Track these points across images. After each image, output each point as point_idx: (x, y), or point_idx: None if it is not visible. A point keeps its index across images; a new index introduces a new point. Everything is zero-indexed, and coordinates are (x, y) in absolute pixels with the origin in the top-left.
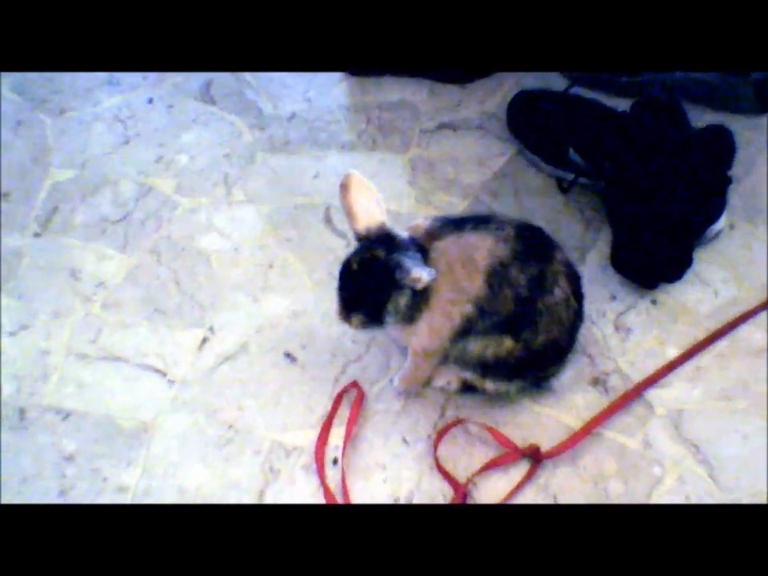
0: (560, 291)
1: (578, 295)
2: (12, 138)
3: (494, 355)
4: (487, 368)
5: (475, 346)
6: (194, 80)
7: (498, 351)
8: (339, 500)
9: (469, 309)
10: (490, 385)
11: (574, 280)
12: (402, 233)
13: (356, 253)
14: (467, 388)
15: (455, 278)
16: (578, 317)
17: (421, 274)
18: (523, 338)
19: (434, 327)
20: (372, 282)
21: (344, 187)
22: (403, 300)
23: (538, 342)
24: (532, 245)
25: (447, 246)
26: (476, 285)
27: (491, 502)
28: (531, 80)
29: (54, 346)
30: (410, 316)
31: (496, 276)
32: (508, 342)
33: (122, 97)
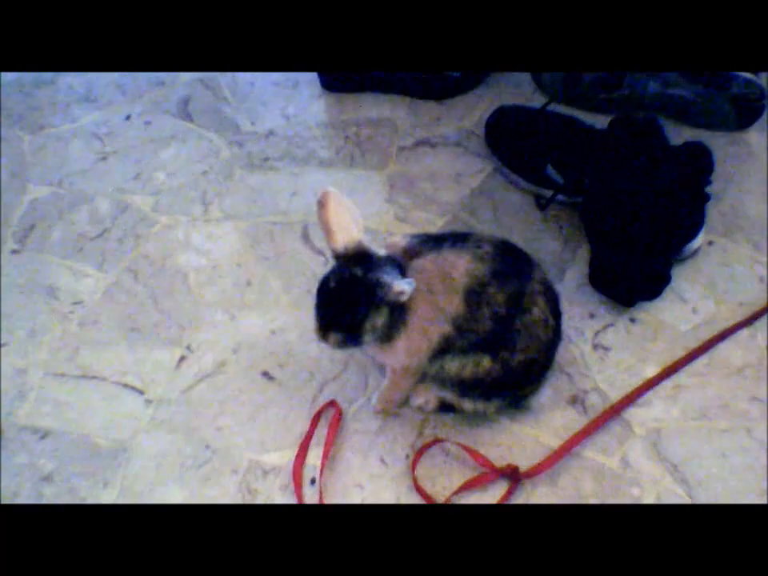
0: (538, 310)
1: (556, 313)
2: None
3: (472, 374)
4: (465, 387)
5: (453, 365)
6: (172, 96)
7: (475, 370)
8: None
9: (446, 328)
10: (467, 404)
11: (552, 298)
12: (380, 250)
13: (334, 271)
14: (445, 407)
15: (433, 297)
16: (555, 335)
17: (403, 287)
18: (501, 357)
19: (411, 346)
20: (350, 300)
21: (321, 204)
22: (381, 318)
23: (516, 360)
24: (510, 263)
25: (425, 264)
26: (454, 304)
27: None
28: (509, 97)
29: (30, 364)
30: (388, 335)
31: (474, 295)
32: (486, 361)
33: (99, 113)
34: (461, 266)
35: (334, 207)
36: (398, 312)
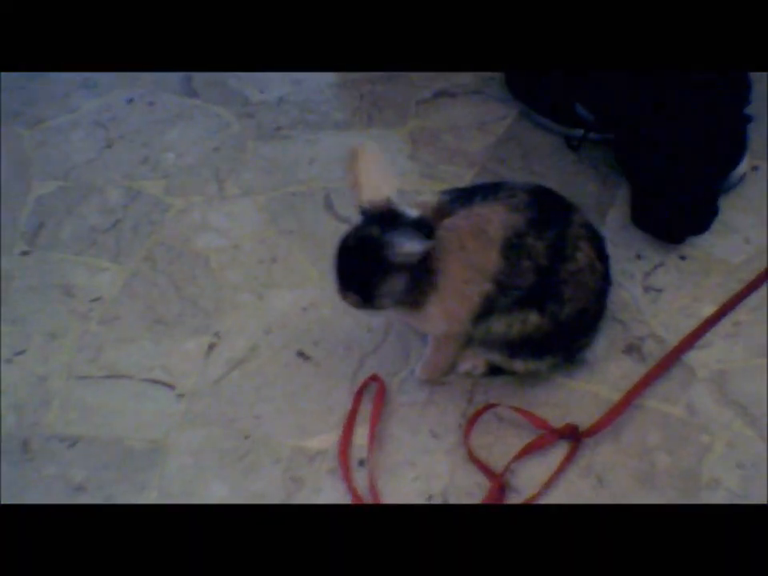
0: (582, 256)
1: (602, 257)
2: None
3: (520, 333)
4: (514, 347)
5: (499, 326)
6: (174, 74)
7: (524, 328)
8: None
9: (488, 286)
10: (519, 365)
11: (597, 242)
12: (410, 210)
13: (354, 228)
14: (495, 370)
15: (467, 255)
16: (605, 281)
17: (411, 248)
18: (549, 311)
19: (450, 310)
20: (363, 261)
21: (352, 158)
22: (400, 282)
23: (566, 312)
24: (547, 210)
25: (457, 222)
26: (492, 260)
27: (532, 491)
28: None
29: (52, 369)
30: (415, 299)
31: (512, 248)
32: (533, 317)
33: (99, 100)
34: (495, 219)
35: (365, 162)
36: (425, 275)
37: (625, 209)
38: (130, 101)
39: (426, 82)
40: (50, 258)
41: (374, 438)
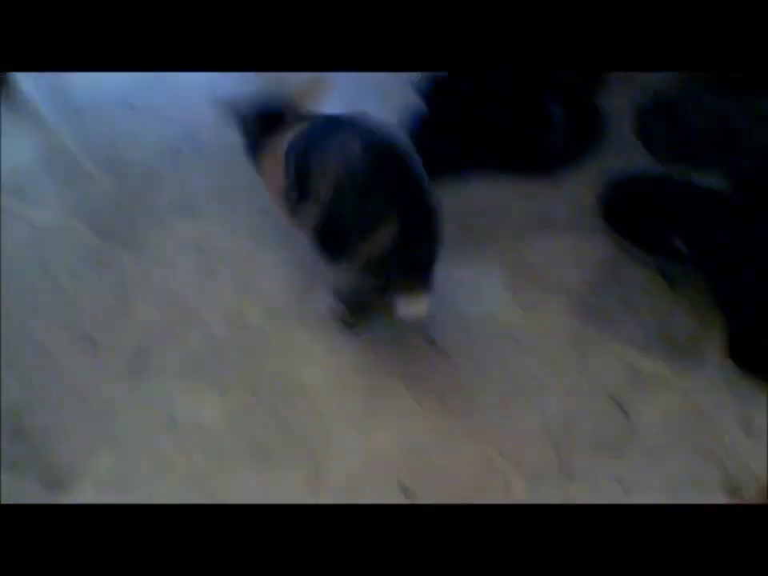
0: (334, 142)
1: (376, 144)
2: (92, 280)
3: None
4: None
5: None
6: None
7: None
8: None
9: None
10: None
11: (374, 137)
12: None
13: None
14: None
15: (271, 162)
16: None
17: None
18: (314, 193)
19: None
20: None
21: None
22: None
23: (322, 193)
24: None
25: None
26: (280, 167)
27: None
28: (615, 164)
29: (157, 500)
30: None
31: (287, 162)
32: (312, 207)
33: (199, 223)
34: (284, 144)
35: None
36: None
37: (722, 344)
38: (230, 224)
39: (520, 212)
40: (154, 387)
41: None
